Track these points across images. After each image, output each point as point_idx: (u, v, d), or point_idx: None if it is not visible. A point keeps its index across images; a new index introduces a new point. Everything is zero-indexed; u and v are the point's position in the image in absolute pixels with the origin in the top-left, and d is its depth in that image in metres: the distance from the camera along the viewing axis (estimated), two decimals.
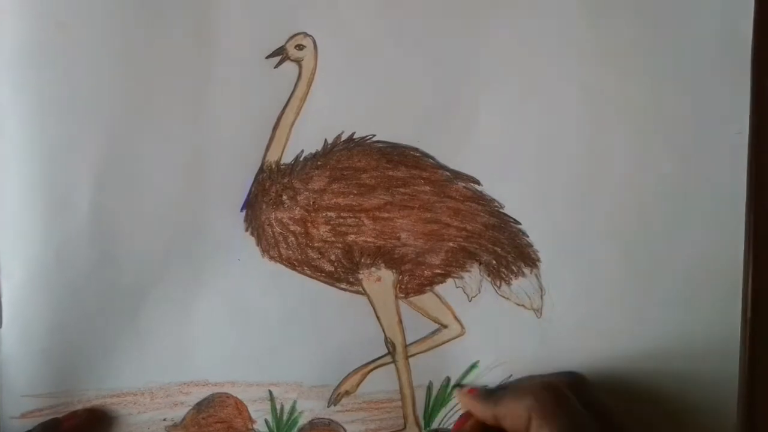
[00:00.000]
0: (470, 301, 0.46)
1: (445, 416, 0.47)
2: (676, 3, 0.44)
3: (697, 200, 0.44)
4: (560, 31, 0.44)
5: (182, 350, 0.47)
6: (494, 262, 0.46)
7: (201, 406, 0.47)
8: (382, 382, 0.46)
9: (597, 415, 0.37)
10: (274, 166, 0.46)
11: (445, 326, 0.46)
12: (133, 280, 0.46)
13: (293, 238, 0.46)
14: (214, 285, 0.46)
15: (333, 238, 0.46)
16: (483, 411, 0.41)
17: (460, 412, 0.46)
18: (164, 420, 0.47)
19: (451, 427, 0.47)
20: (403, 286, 0.46)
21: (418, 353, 0.46)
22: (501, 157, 0.45)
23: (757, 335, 0.45)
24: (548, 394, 0.37)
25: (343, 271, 0.46)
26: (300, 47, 0.45)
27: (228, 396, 0.47)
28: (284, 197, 0.46)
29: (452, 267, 0.46)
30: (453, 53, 0.45)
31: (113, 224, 0.46)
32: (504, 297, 0.46)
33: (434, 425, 0.47)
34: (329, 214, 0.46)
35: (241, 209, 0.46)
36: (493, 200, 0.45)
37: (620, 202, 0.45)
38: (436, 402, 0.47)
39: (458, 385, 0.46)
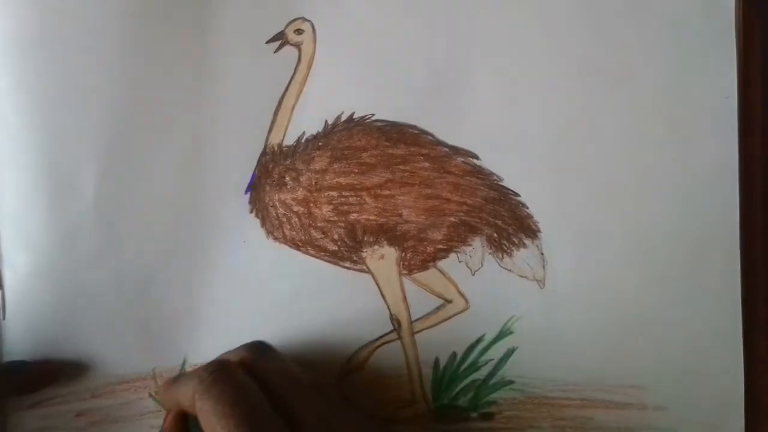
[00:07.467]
0: (473, 275, 0.47)
1: (454, 392, 0.47)
2: None
3: (690, 164, 0.45)
4: (553, 5, 0.45)
5: (189, 334, 0.47)
6: (495, 234, 0.46)
7: None
8: (388, 359, 0.47)
9: (273, 381, 0.37)
10: (276, 149, 0.47)
11: (450, 301, 0.47)
12: (139, 266, 0.47)
13: (297, 219, 0.47)
14: (219, 267, 0.47)
15: (336, 218, 0.47)
16: (167, 400, 0.41)
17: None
18: None
19: (461, 403, 0.47)
20: (406, 263, 0.47)
21: (423, 329, 0.47)
22: (498, 131, 0.46)
23: (756, 291, 0.45)
24: (208, 371, 0.37)
25: (346, 249, 0.47)
26: (299, 32, 0.46)
27: None
28: (287, 178, 0.47)
29: (454, 242, 0.47)
30: (448, 31, 0.46)
31: (118, 210, 0.46)
32: (507, 269, 0.46)
33: (442, 401, 0.47)
34: (331, 193, 0.46)
35: (246, 191, 0.47)
36: (491, 174, 0.46)
37: (615, 170, 0.45)
38: (443, 378, 0.47)
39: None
